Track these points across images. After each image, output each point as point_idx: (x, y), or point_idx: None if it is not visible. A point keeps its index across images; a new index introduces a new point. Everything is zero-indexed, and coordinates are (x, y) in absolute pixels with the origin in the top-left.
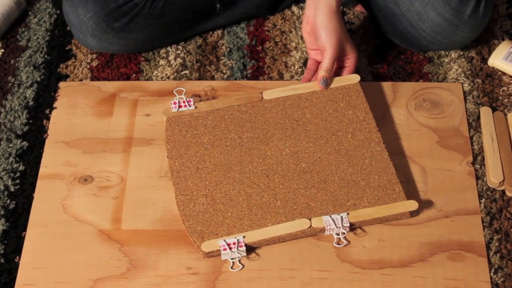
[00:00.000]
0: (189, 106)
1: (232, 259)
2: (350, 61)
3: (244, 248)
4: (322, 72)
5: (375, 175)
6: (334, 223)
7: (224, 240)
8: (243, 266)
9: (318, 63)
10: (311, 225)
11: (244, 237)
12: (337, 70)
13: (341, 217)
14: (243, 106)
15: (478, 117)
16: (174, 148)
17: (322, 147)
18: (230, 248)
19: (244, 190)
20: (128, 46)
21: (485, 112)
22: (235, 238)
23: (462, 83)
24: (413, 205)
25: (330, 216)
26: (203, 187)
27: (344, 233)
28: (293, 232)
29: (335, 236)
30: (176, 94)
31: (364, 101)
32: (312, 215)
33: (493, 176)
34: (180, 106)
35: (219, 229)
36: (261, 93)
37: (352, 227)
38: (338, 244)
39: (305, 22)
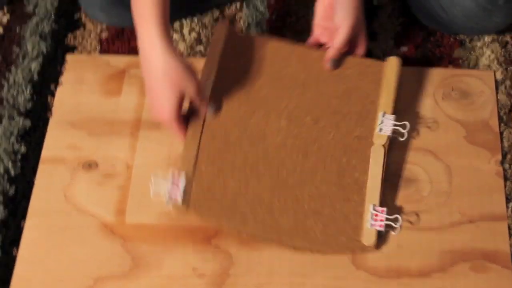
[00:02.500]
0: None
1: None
2: (358, 51)
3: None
4: (332, 51)
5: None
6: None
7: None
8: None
9: (320, 45)
10: None
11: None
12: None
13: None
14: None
15: (510, 110)
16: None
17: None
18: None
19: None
20: None
21: None
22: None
23: (495, 71)
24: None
25: None
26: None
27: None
28: None
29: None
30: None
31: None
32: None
33: None
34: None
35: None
36: None
37: None
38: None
39: (319, 5)
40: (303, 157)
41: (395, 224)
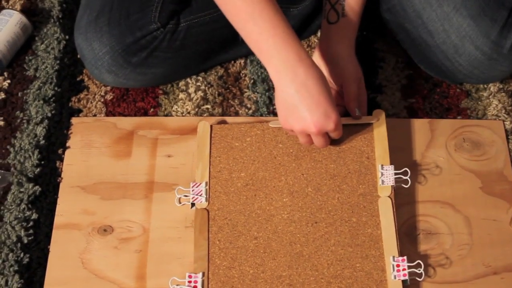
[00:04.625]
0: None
1: None
2: (361, 97)
3: None
4: (353, 103)
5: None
6: None
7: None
8: None
9: None
10: None
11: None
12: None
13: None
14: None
15: None
16: None
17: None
18: None
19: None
20: (146, 81)
21: None
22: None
23: (504, 120)
24: None
25: None
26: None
27: None
28: None
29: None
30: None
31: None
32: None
33: None
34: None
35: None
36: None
37: None
38: None
39: (316, 56)
40: (313, 226)
41: (419, 270)
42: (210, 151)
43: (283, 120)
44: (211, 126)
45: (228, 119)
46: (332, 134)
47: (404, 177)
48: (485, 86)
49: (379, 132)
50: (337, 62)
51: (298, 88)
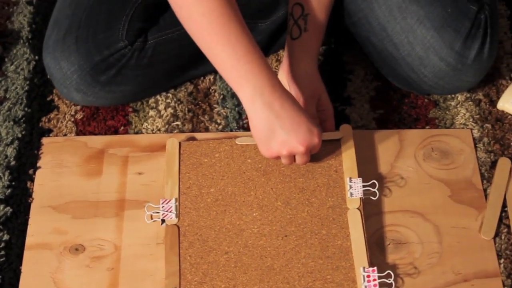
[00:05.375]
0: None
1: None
2: (324, 114)
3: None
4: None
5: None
6: None
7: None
8: None
9: None
10: None
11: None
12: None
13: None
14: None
15: (491, 167)
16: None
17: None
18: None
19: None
20: (115, 99)
21: (503, 164)
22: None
23: (471, 129)
24: None
25: None
26: None
27: None
28: None
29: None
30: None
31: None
32: None
33: (484, 233)
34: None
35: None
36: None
37: None
38: None
39: (280, 74)
40: (283, 240)
41: (389, 280)
42: (179, 168)
43: (266, 148)
44: (179, 143)
45: (198, 135)
46: (314, 149)
47: (373, 189)
48: (453, 95)
49: (347, 146)
50: (295, 81)
51: (276, 112)
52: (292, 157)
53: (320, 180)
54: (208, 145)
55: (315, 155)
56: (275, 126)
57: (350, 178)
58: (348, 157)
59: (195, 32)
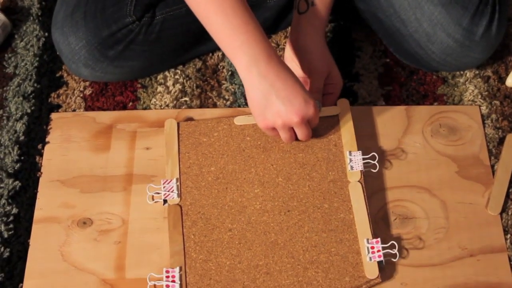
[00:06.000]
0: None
1: None
2: (334, 88)
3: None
4: (314, 95)
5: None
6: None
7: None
8: None
9: None
10: None
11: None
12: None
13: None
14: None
15: (499, 143)
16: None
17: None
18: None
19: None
20: (123, 75)
21: (511, 141)
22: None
23: (480, 106)
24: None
25: None
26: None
27: None
28: None
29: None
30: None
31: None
32: None
33: (491, 208)
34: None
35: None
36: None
37: None
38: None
39: (287, 48)
40: (285, 215)
41: (393, 251)
42: (179, 148)
43: (261, 118)
44: (178, 124)
45: (206, 111)
46: (312, 121)
47: (373, 162)
48: (461, 72)
49: (345, 120)
50: (304, 55)
51: (272, 81)
52: (292, 132)
53: (320, 155)
54: (206, 125)
55: (314, 131)
56: (270, 96)
57: (350, 151)
58: (346, 131)
59: (193, 2)
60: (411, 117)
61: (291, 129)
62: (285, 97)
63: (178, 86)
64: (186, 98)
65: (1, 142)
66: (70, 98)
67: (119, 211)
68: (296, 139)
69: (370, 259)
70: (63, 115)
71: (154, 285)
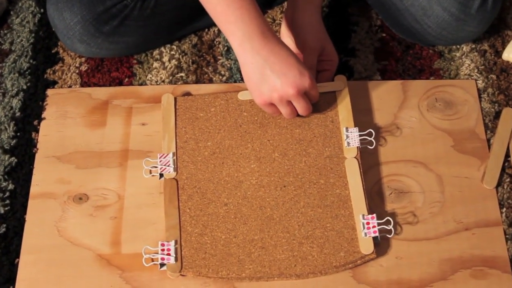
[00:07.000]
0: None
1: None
2: (329, 65)
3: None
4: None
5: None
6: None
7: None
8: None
9: None
10: None
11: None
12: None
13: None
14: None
15: (495, 117)
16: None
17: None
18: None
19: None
20: (118, 50)
21: (507, 114)
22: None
23: (476, 80)
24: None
25: None
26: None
27: None
28: None
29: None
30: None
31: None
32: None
33: (487, 182)
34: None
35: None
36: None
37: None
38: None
39: (283, 24)
40: (281, 190)
41: (388, 227)
42: (176, 122)
43: (257, 94)
44: (175, 98)
45: (202, 87)
46: (310, 93)
47: (369, 138)
48: (458, 46)
49: (342, 96)
50: (298, 31)
51: (266, 56)
52: (292, 107)
53: (317, 131)
54: (203, 100)
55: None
56: (265, 70)
57: (347, 128)
58: (343, 107)
59: None
60: (407, 91)
61: (290, 103)
62: (279, 70)
63: (174, 61)
64: (182, 74)
65: None
66: (66, 74)
67: (115, 186)
68: (297, 114)
69: (365, 234)
70: (59, 91)
71: (151, 258)
